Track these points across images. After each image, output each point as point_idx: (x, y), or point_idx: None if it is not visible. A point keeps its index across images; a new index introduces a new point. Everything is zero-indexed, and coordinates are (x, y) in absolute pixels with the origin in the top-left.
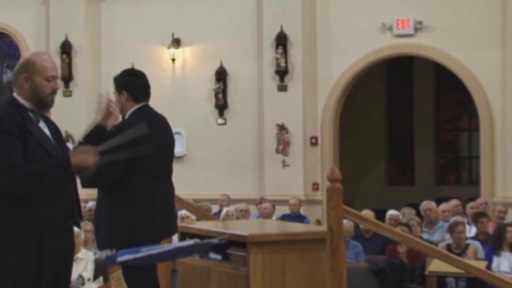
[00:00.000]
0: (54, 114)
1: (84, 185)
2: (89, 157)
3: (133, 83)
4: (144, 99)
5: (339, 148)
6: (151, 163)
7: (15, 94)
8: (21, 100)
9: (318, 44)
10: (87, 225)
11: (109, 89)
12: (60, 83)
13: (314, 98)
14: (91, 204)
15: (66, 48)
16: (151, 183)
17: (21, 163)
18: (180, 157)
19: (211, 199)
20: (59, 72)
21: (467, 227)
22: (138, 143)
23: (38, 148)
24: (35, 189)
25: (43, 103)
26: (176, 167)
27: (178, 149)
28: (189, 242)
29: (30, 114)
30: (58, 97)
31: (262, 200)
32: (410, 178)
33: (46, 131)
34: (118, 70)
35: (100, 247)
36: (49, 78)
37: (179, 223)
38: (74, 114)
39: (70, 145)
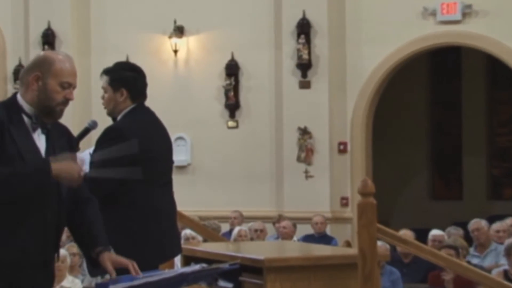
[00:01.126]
0: None
1: None
2: (74, 167)
3: (134, 81)
4: (141, 99)
5: (372, 156)
6: (153, 170)
7: (18, 95)
8: (21, 102)
9: (348, 33)
10: (73, 247)
11: (99, 84)
12: None
13: (343, 97)
14: None
15: (48, 38)
16: (153, 194)
17: None
18: (183, 167)
19: (220, 217)
20: (77, 82)
21: None
22: (128, 162)
23: (16, 158)
24: (6, 195)
25: (50, 112)
26: (179, 178)
27: (181, 157)
28: (195, 267)
29: (26, 118)
30: None
31: (280, 218)
32: (457, 191)
33: (40, 143)
34: (110, 64)
35: (92, 272)
36: (64, 84)
37: (183, 244)
38: None
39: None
